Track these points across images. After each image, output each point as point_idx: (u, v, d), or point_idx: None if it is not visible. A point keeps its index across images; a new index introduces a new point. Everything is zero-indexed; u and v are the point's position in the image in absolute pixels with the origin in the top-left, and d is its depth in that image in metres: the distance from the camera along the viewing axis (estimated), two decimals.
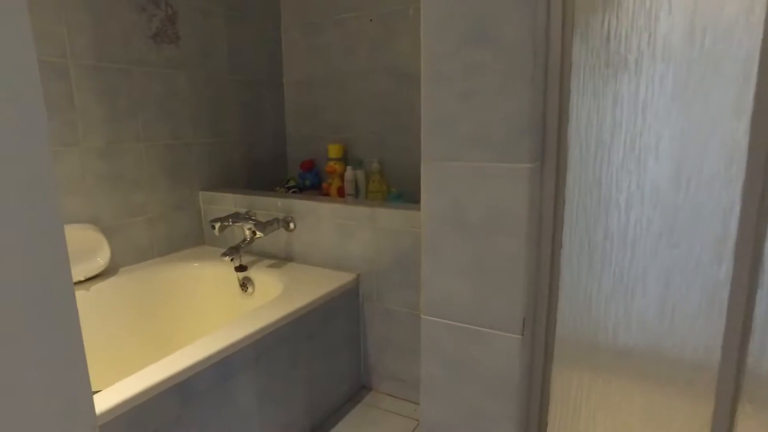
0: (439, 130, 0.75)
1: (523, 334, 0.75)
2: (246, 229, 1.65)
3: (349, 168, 2.05)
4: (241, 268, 1.66)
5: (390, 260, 1.51)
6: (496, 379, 0.78)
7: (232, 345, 1.10)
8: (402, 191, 2.00)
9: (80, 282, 1.48)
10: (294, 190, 2.16)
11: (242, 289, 1.69)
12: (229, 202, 1.84)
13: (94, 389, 1.31)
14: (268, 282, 1.61)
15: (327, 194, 2.14)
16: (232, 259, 1.63)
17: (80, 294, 1.46)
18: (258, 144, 2.17)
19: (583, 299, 0.78)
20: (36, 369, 0.42)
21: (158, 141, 1.72)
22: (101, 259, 1.52)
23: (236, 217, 1.67)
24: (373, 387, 1.65)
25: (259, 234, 1.60)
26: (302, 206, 1.66)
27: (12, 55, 0.40)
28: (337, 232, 1.60)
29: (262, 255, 1.78)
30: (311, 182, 2.23)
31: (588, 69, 0.70)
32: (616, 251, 0.74)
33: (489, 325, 0.76)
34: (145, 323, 1.62)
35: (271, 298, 1.52)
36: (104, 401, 0.88)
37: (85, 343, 1.48)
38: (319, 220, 1.63)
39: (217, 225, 1.64)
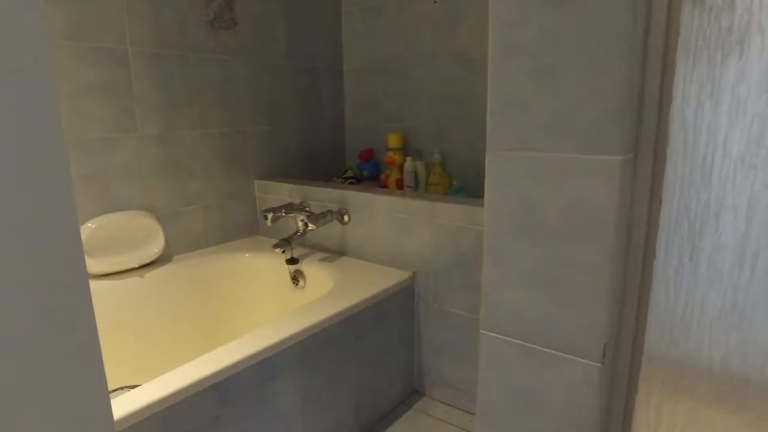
0: (509, 115, 0.63)
1: (603, 362, 0.62)
2: (299, 221, 1.59)
3: (408, 159, 1.95)
4: (292, 261, 1.60)
5: (449, 259, 1.39)
6: (567, 413, 0.65)
7: (275, 345, 1.04)
8: (464, 185, 1.87)
9: (134, 269, 1.48)
10: (351, 180, 2.09)
11: (293, 283, 1.63)
12: (284, 192, 1.79)
13: (135, 383, 1.30)
14: (319, 276, 1.55)
15: (385, 186, 2.05)
16: (283, 251, 1.58)
17: (134, 280, 1.46)
18: (315, 133, 2.11)
19: (680, 322, 0.64)
20: (49, 371, 0.40)
21: (214, 129, 1.69)
22: (156, 246, 1.52)
23: (289, 207, 1.62)
24: (426, 392, 1.55)
25: (311, 226, 1.54)
26: (357, 198, 1.58)
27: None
28: (393, 227, 1.50)
29: (315, 247, 1.72)
30: (369, 173, 2.15)
31: (701, 35, 0.56)
32: (730, 266, 0.59)
33: (562, 347, 0.64)
34: (197, 312, 1.60)
35: (321, 294, 1.45)
36: (139, 399, 0.84)
37: (135, 330, 1.46)
38: (375, 214, 1.54)
39: (270, 215, 1.60)
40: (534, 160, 0.62)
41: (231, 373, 0.96)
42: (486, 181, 0.66)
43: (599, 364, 0.62)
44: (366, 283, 1.39)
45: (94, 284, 1.39)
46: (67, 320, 0.42)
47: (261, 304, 1.69)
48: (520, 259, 0.65)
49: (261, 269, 1.69)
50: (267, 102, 1.87)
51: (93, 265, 1.38)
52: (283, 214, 1.60)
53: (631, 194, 0.62)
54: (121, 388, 1.11)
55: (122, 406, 0.82)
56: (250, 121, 1.81)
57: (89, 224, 1.39)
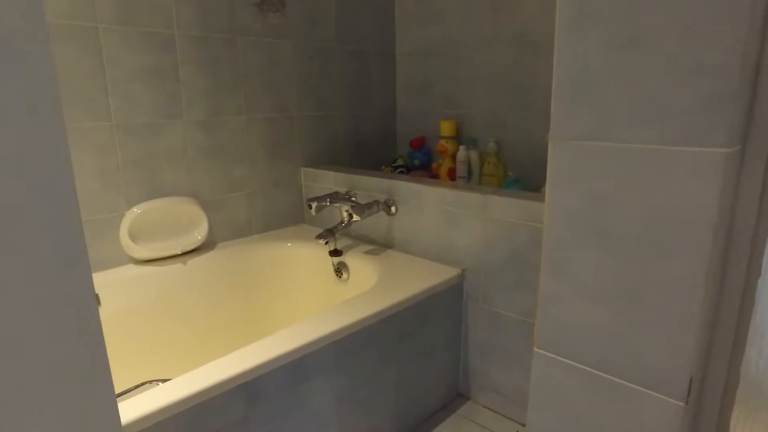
0: (580, 97, 0.52)
1: (687, 401, 0.51)
2: (344, 211, 1.53)
3: (461, 148, 1.84)
4: (335, 253, 1.54)
5: (502, 257, 1.29)
6: None
7: (310, 344, 0.98)
8: (520, 176, 1.75)
9: (177, 255, 1.46)
10: (401, 169, 2.01)
11: (337, 275, 1.57)
12: (330, 180, 1.73)
13: (174, 371, 1.27)
14: (363, 269, 1.48)
15: (436, 175, 1.95)
16: (326, 243, 1.52)
17: (176, 267, 1.44)
18: (365, 119, 2.03)
19: None
20: (56, 374, 0.39)
21: (260, 114, 1.65)
22: (199, 233, 1.49)
23: (334, 197, 1.55)
24: (472, 397, 1.46)
25: (356, 217, 1.47)
26: (405, 189, 1.49)
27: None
28: (442, 220, 1.41)
29: (360, 239, 1.65)
30: (420, 161, 2.05)
31: None
32: None
33: (637, 379, 0.53)
34: (237, 301, 1.58)
35: (365, 288, 1.39)
36: (165, 396, 0.80)
37: (177, 316, 1.42)
38: (424, 205, 1.45)
39: (314, 205, 1.54)
40: (610, 152, 0.51)
41: (261, 373, 0.91)
42: (548, 175, 0.56)
43: (682, 403, 0.51)
44: (412, 278, 1.31)
45: (137, 270, 1.38)
46: (69, 321, 0.40)
47: (303, 296, 1.65)
48: (588, 269, 0.55)
49: (304, 259, 1.64)
50: (315, 86, 1.80)
51: (136, 251, 1.38)
52: (328, 204, 1.54)
53: (734, 195, 0.50)
54: (150, 382, 1.10)
55: (149, 402, 0.79)
56: (298, 106, 1.76)
57: (135, 209, 1.39)
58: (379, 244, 1.60)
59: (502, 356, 1.35)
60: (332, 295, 1.58)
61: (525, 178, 1.74)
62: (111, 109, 1.32)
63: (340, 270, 1.56)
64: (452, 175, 1.88)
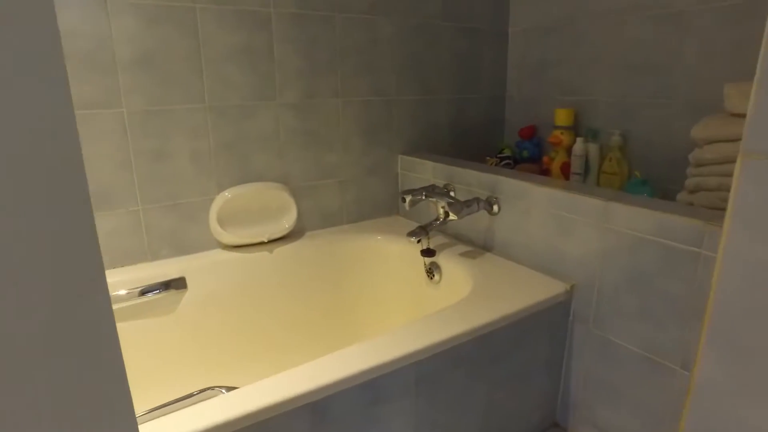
0: None
1: None
2: (440, 207, 1.38)
3: (579, 140, 1.60)
4: (428, 253, 1.41)
5: (621, 276, 1.07)
6: None
7: (387, 364, 0.86)
8: (648, 178, 1.48)
9: (263, 243, 1.42)
10: (507, 161, 1.81)
11: (428, 276, 1.44)
12: (428, 170, 1.59)
13: (242, 372, 1.20)
14: (457, 273, 1.34)
15: (547, 170, 1.73)
16: (418, 241, 1.39)
17: (262, 255, 1.40)
18: (471, 104, 1.85)
19: None
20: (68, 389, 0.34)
21: (357, 96, 1.55)
22: (287, 222, 1.44)
23: (431, 190, 1.41)
24: (569, 428, 1.26)
25: (452, 216, 1.32)
26: (511, 186, 1.31)
27: None
28: (551, 225, 1.21)
29: (456, 237, 1.50)
30: (530, 153, 1.84)
31: None
32: None
33: None
34: (322, 294, 1.51)
35: (457, 294, 1.25)
36: (225, 410, 0.73)
37: (259, 306, 1.36)
38: (531, 206, 1.26)
39: (408, 198, 1.41)
40: None
41: (330, 393, 0.81)
42: (730, 208, 0.37)
43: None
44: (511, 290, 1.14)
45: (223, 255, 1.36)
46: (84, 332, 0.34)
47: (391, 295, 1.54)
48: None
49: (394, 255, 1.53)
50: (417, 68, 1.66)
51: (224, 236, 1.35)
52: (423, 198, 1.41)
53: None
54: (212, 388, 1.06)
55: (208, 414, 0.72)
56: (397, 89, 1.63)
57: (225, 193, 1.36)
58: (477, 246, 1.44)
59: (612, 391, 1.14)
60: (422, 297, 1.46)
61: (655, 179, 1.48)
62: (205, 91, 1.29)
63: (432, 271, 1.43)
64: (565, 170, 1.65)
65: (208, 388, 1.06)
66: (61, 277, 0.33)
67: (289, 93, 1.41)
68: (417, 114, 1.70)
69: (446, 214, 1.34)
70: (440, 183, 1.53)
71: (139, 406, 1.19)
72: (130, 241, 1.27)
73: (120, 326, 1.22)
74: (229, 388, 1.02)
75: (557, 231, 1.20)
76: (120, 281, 1.23)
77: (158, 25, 1.19)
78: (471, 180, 1.43)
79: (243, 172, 1.39)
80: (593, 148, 1.61)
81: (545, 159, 1.76)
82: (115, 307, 1.22)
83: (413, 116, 1.70)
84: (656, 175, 1.50)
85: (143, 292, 1.23)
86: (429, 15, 1.64)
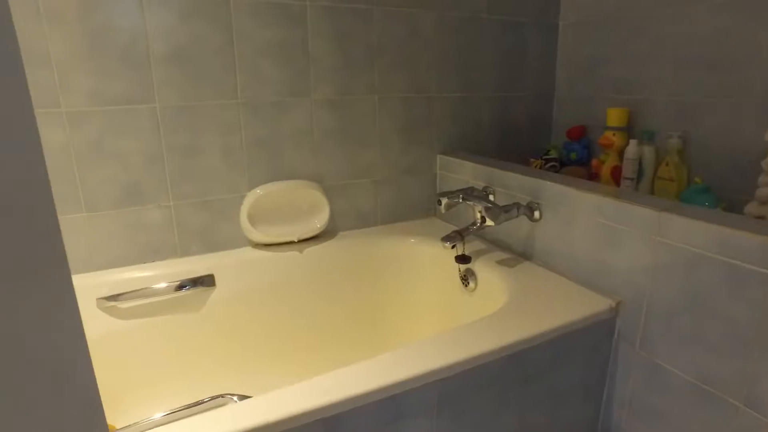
0: None
1: None
2: (477, 211, 1.31)
3: (632, 142, 1.49)
4: (463, 259, 1.34)
5: (675, 295, 0.97)
6: None
7: (408, 381, 0.81)
8: (711, 185, 1.35)
9: (293, 242, 1.39)
10: (553, 164, 1.71)
11: (462, 283, 1.38)
12: (468, 171, 1.52)
13: (263, 376, 1.17)
14: (493, 282, 1.26)
15: (595, 174, 1.62)
16: (453, 247, 1.32)
17: (293, 255, 1.37)
18: (516, 102, 1.76)
19: None
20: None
21: (394, 93, 1.49)
22: (318, 221, 1.40)
23: (468, 193, 1.34)
24: None
25: (489, 222, 1.24)
26: (554, 191, 1.22)
27: None
28: (597, 235, 1.12)
29: (494, 243, 1.42)
30: (578, 156, 1.73)
31: None
32: None
33: None
34: (352, 296, 1.47)
35: (493, 305, 1.17)
36: (236, 421, 0.69)
37: (290, 305, 1.31)
38: (575, 214, 1.17)
39: (444, 201, 1.35)
40: None
41: (346, 409, 0.76)
42: None
43: None
44: (550, 304, 1.06)
45: (253, 253, 1.34)
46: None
47: (423, 301, 1.49)
48: None
49: (428, 259, 1.47)
50: (459, 63, 1.58)
51: (254, 234, 1.33)
52: (460, 201, 1.34)
53: None
54: (223, 395, 1.03)
55: (213, 427, 0.69)
56: (438, 86, 1.56)
57: (257, 191, 1.34)
58: (516, 253, 1.36)
59: (659, 420, 1.04)
60: (455, 304, 1.39)
61: (719, 188, 1.35)
62: (238, 87, 1.26)
63: (466, 278, 1.36)
64: (616, 175, 1.54)
65: (220, 396, 1.04)
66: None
67: (324, 89, 1.37)
68: (458, 112, 1.63)
69: (483, 219, 1.27)
70: (479, 185, 1.46)
71: (155, 406, 1.18)
72: (160, 236, 1.27)
73: (147, 321, 1.22)
74: (242, 397, 1.00)
75: (604, 242, 1.11)
76: (153, 276, 1.23)
77: (192, 19, 1.18)
78: (511, 183, 1.35)
79: (275, 169, 1.37)
80: (648, 151, 1.48)
81: (594, 162, 1.65)
82: (148, 301, 1.22)
83: (454, 114, 1.62)
84: (720, 183, 1.37)
85: (180, 287, 1.22)
86: (474, 8, 1.56)
